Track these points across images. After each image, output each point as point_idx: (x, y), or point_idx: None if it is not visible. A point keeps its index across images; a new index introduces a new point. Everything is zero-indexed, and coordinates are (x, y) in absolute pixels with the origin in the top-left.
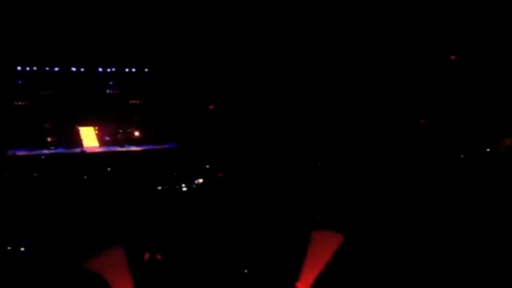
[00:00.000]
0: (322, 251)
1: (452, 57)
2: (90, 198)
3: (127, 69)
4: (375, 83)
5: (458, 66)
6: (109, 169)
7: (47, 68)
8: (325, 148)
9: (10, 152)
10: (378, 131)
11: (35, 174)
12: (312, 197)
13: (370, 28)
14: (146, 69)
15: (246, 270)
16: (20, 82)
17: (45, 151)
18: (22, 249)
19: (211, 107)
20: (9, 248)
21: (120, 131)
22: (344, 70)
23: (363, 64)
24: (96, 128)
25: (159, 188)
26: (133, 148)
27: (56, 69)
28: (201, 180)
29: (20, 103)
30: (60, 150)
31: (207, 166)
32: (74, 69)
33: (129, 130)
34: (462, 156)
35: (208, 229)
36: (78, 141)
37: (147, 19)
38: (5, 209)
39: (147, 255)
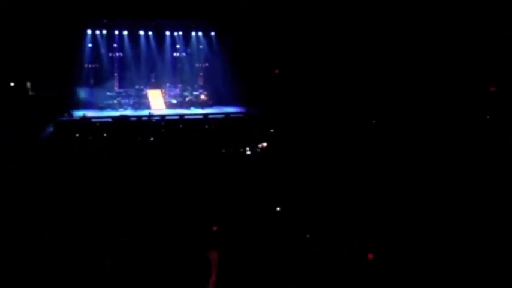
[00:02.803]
0: None
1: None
2: (155, 160)
3: (193, 33)
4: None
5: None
6: (175, 131)
7: (116, 31)
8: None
9: (79, 114)
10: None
11: (104, 135)
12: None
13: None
14: (212, 33)
15: None
16: (89, 45)
17: (114, 112)
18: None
19: (276, 71)
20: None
21: (186, 93)
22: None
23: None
24: (163, 90)
25: (223, 150)
26: (199, 111)
27: (125, 32)
28: (265, 145)
29: (89, 65)
30: (128, 112)
31: (272, 130)
32: (142, 32)
33: (195, 93)
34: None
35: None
36: (146, 104)
37: None
38: (77, 169)
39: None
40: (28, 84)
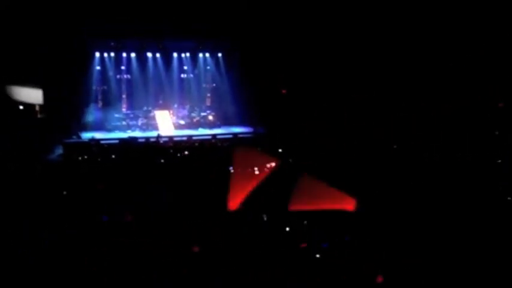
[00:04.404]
0: None
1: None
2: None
3: (201, 54)
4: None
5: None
6: (185, 152)
7: (124, 54)
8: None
9: (87, 136)
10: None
11: (113, 156)
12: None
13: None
14: (219, 54)
15: None
16: (97, 67)
17: (122, 134)
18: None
19: (283, 91)
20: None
21: (194, 114)
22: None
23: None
24: (171, 111)
25: (231, 170)
26: (207, 131)
27: (133, 54)
28: (273, 164)
29: (97, 88)
30: (137, 134)
31: (280, 150)
32: (149, 54)
33: (203, 114)
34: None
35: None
36: (154, 125)
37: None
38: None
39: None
40: (37, 107)
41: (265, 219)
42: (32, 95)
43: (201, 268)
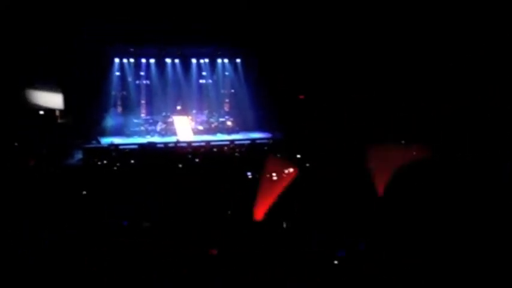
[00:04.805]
0: None
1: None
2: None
3: (219, 60)
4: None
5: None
6: (202, 157)
7: (143, 60)
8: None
9: (107, 141)
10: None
11: (131, 161)
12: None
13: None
14: (238, 60)
15: None
16: (117, 73)
17: (141, 139)
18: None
19: (301, 96)
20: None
21: (213, 120)
22: None
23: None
24: (190, 117)
25: (249, 175)
26: (225, 137)
27: (152, 60)
28: (291, 170)
29: (117, 93)
30: (155, 139)
31: (298, 156)
32: (168, 60)
33: (221, 119)
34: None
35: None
36: (172, 130)
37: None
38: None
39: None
40: (57, 112)
41: (284, 226)
42: (52, 100)
43: (216, 272)
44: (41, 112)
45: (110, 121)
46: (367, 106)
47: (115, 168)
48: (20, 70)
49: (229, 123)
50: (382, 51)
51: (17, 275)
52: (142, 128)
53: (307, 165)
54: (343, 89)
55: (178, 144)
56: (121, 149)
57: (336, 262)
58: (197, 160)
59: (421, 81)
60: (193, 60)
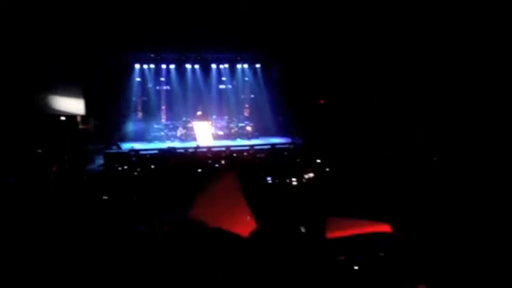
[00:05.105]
0: None
1: None
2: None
3: (239, 65)
4: None
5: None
6: (222, 162)
7: (163, 65)
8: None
9: (127, 146)
10: None
11: (152, 167)
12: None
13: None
14: (258, 65)
15: None
16: (137, 79)
17: (161, 144)
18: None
19: (321, 101)
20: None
21: (232, 125)
22: None
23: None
24: (210, 122)
25: (269, 181)
26: (245, 142)
27: (172, 66)
28: (311, 175)
29: (137, 99)
30: (176, 144)
31: (318, 161)
32: (188, 65)
33: (241, 124)
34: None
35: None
36: (192, 136)
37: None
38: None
39: None
40: (78, 118)
41: (303, 231)
42: (74, 106)
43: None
44: (63, 118)
45: (130, 126)
46: (388, 111)
47: (135, 173)
48: (42, 76)
49: (249, 128)
50: (403, 55)
51: (39, 278)
52: (162, 133)
53: (327, 169)
54: (363, 93)
55: (198, 150)
56: (141, 154)
57: (356, 267)
58: (217, 165)
59: (446, 86)
60: (213, 66)
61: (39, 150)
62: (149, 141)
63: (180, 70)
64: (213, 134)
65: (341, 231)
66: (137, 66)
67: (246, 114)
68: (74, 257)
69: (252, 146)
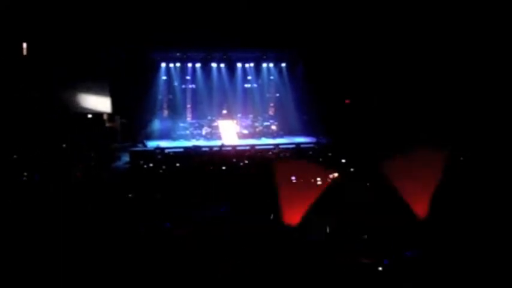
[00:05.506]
0: None
1: None
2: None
3: (264, 64)
4: None
5: None
6: (246, 161)
7: (189, 64)
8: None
9: (153, 144)
10: None
11: (177, 165)
12: None
13: None
14: (283, 64)
15: None
16: (163, 77)
17: (187, 143)
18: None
19: (347, 101)
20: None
21: (257, 124)
22: None
23: None
24: (235, 121)
25: (293, 179)
26: (270, 141)
27: (198, 64)
28: (336, 175)
29: (163, 97)
30: (201, 142)
31: (343, 160)
32: (214, 64)
33: (266, 123)
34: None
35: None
36: (217, 134)
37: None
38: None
39: None
40: (105, 116)
41: (327, 231)
42: (101, 104)
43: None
44: (90, 116)
45: (156, 125)
46: (413, 110)
47: (160, 171)
48: (69, 74)
49: (273, 127)
50: (429, 55)
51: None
52: (187, 131)
53: (352, 170)
54: (389, 93)
55: (223, 148)
56: (167, 152)
57: (380, 269)
58: (242, 164)
59: (470, 83)
60: (239, 65)
61: (65, 147)
62: (174, 139)
63: (206, 69)
64: (237, 133)
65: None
66: (163, 64)
67: (270, 113)
68: (96, 251)
69: (276, 145)
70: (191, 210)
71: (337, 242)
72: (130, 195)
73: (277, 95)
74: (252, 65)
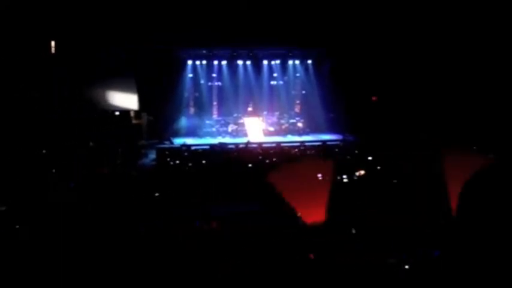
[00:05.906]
0: None
1: None
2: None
3: (290, 61)
4: None
5: None
6: (274, 159)
7: (215, 62)
8: None
9: (179, 141)
10: None
11: (203, 162)
12: None
13: None
14: (309, 61)
15: None
16: (190, 75)
17: (213, 140)
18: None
19: (374, 98)
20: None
21: (283, 121)
22: None
23: None
24: (261, 118)
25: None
26: (296, 138)
27: (224, 62)
28: (362, 172)
29: (189, 95)
30: (227, 140)
31: (369, 158)
32: (240, 62)
33: (291, 121)
34: None
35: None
36: (243, 131)
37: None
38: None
39: None
40: (131, 113)
41: (353, 232)
42: (128, 101)
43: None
44: (117, 113)
45: (182, 122)
46: (440, 108)
47: (187, 168)
48: (97, 72)
49: (299, 124)
50: (457, 53)
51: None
52: (214, 129)
53: (378, 167)
54: (416, 90)
55: (249, 145)
56: (193, 150)
57: (406, 267)
58: (268, 161)
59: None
60: (265, 62)
61: (92, 145)
62: (201, 136)
63: (232, 66)
64: (263, 130)
65: None
66: (189, 62)
67: (296, 110)
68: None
69: (302, 142)
70: (219, 207)
71: (362, 241)
72: (157, 194)
73: (303, 92)
74: (277, 62)
